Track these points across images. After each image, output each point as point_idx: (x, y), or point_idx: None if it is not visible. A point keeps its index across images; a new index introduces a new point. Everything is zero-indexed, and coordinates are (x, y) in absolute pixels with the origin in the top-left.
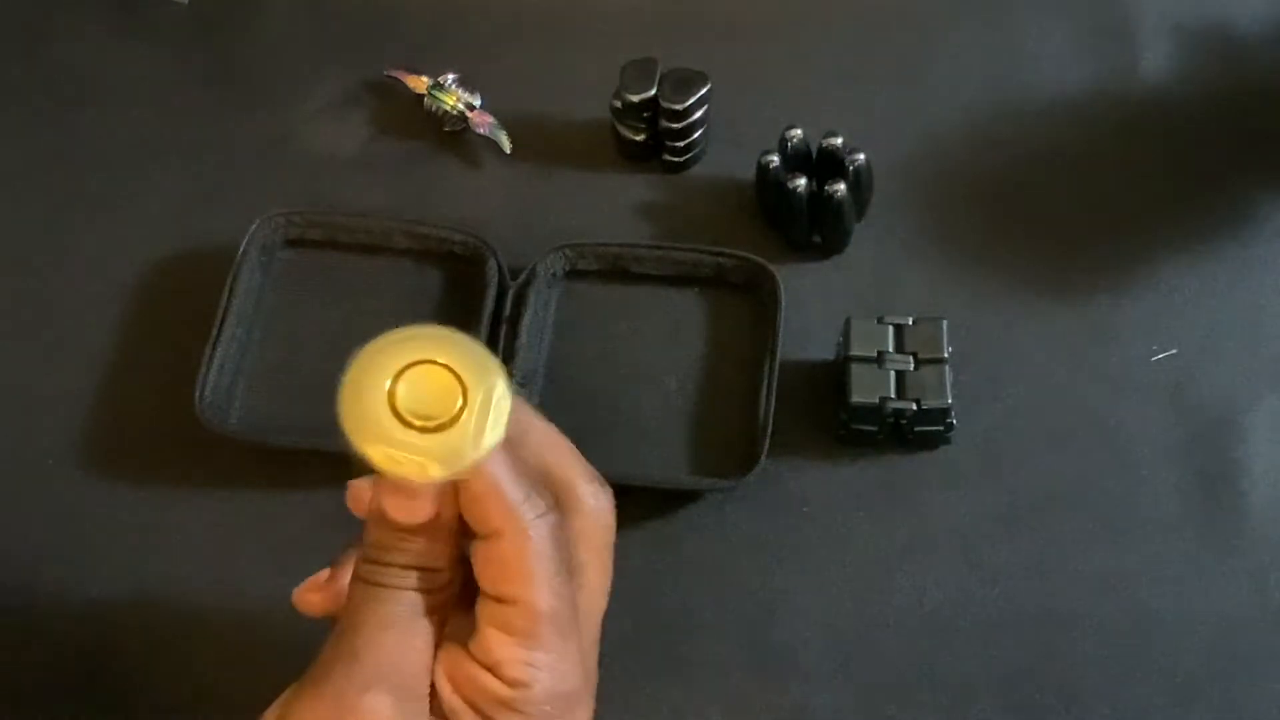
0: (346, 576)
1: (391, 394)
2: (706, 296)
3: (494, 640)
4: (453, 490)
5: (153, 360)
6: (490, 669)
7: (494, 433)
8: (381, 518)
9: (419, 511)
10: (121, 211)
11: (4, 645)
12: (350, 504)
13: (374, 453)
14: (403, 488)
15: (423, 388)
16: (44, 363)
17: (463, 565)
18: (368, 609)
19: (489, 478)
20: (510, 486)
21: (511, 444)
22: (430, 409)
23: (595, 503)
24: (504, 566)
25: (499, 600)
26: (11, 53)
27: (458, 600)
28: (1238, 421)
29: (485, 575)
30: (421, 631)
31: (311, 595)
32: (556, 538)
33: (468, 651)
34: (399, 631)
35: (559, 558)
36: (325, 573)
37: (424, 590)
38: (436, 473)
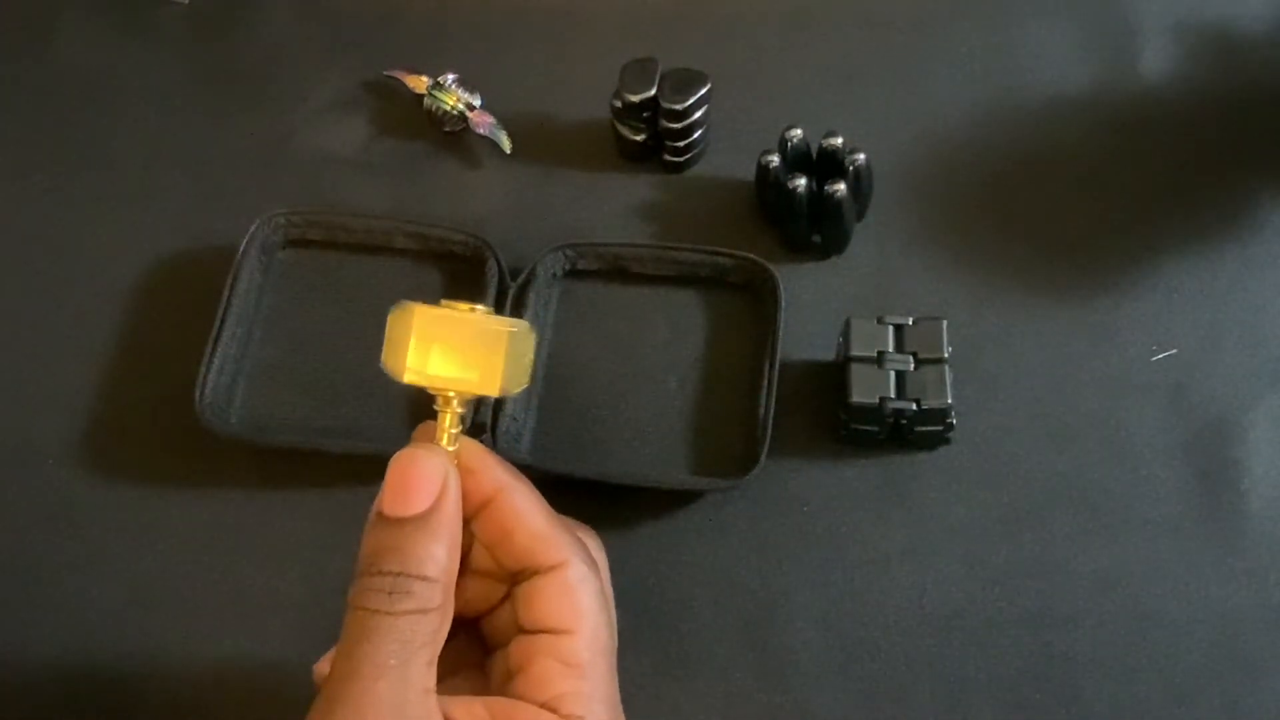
0: None
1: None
2: (706, 296)
3: (552, 673)
4: (455, 486)
5: (153, 360)
6: (547, 704)
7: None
8: (378, 519)
9: (415, 499)
10: (122, 211)
11: (3, 645)
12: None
13: (422, 359)
14: (407, 463)
15: (456, 299)
16: (44, 363)
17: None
18: (361, 652)
19: (541, 514)
20: (563, 523)
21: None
22: (468, 301)
23: (596, 551)
24: (565, 597)
25: (554, 633)
26: (11, 52)
27: (461, 662)
28: (1238, 421)
29: (540, 609)
30: (418, 676)
31: None
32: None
33: (514, 698)
34: (395, 680)
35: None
36: None
37: (417, 612)
38: (486, 369)
